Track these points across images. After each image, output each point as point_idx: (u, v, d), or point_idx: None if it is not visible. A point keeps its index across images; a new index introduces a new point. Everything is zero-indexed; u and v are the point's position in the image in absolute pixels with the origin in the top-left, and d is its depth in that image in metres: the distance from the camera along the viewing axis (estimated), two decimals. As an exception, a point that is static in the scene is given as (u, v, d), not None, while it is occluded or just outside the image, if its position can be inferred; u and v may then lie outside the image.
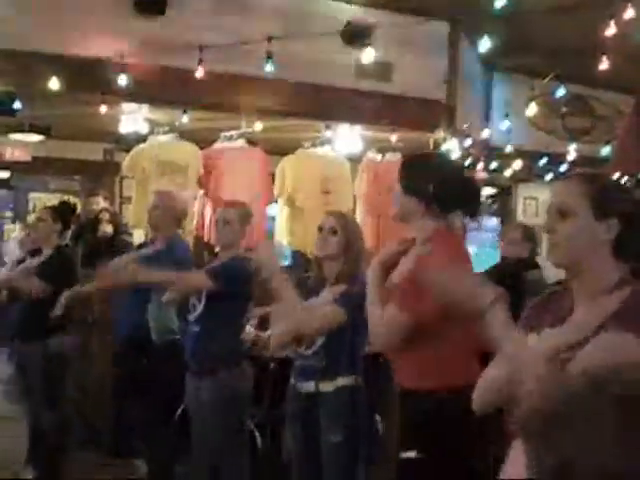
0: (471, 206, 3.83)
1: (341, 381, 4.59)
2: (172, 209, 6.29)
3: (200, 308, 5.47)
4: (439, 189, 3.69)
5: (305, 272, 5.22)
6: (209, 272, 5.45)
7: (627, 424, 1.06)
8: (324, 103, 8.90)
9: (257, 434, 6.59)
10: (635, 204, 2.61)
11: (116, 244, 9.49)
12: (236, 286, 5.34)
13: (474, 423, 3.61)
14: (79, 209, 11.66)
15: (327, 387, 4.62)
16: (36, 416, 6.70)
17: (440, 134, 9.71)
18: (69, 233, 7.52)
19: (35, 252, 6.96)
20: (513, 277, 6.12)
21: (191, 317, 5.52)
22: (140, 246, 6.70)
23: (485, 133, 10.39)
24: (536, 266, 6.83)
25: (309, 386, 4.68)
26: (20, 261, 7.20)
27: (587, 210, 2.55)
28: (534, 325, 2.66)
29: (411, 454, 3.61)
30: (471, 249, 13.95)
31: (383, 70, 9.02)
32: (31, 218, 7.16)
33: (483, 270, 6.69)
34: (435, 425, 3.62)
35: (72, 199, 12.85)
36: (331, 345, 4.62)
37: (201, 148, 8.92)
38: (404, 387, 3.77)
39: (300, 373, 4.76)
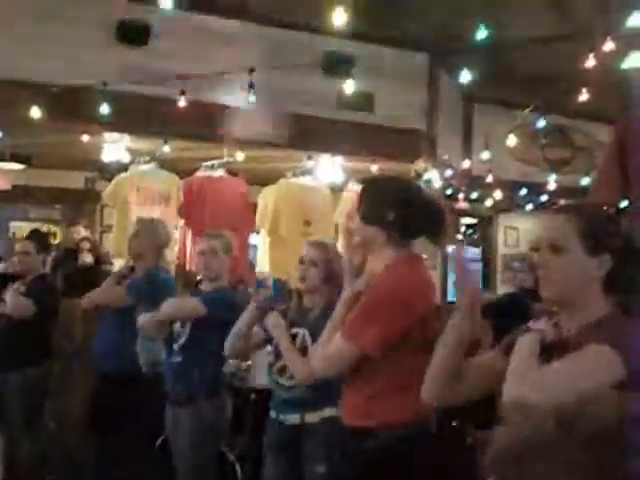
0: (435, 231, 3.73)
1: (328, 412, 4.50)
2: (153, 237, 6.26)
3: (184, 337, 5.44)
4: (400, 216, 3.59)
5: (287, 302, 5.20)
6: (202, 299, 5.42)
7: (595, 457, 1.07)
8: (305, 133, 8.92)
9: (237, 465, 6.55)
10: (625, 238, 2.59)
11: (97, 273, 9.45)
12: (225, 315, 5.33)
13: (422, 464, 3.56)
14: (59, 238, 11.62)
15: (313, 418, 4.55)
16: (13, 446, 6.64)
17: (421, 164, 9.74)
18: (48, 259, 7.50)
19: (15, 278, 6.91)
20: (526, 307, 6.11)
21: (175, 346, 5.49)
22: (123, 276, 6.65)
23: (466, 163, 10.44)
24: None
25: (294, 418, 4.61)
26: None
27: (578, 246, 2.54)
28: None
29: None
30: (452, 278, 13.98)
31: (364, 101, 9.06)
32: (16, 249, 7.06)
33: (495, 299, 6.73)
34: (380, 467, 3.52)
35: (52, 228, 12.82)
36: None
37: (182, 177, 8.92)
38: (346, 424, 3.72)
39: (283, 404, 4.69)
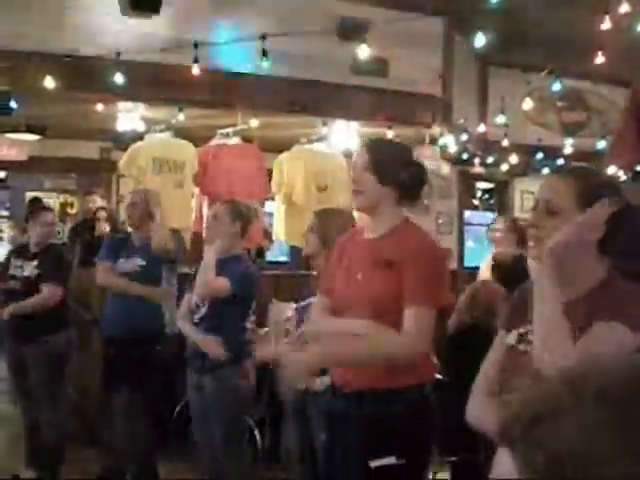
0: (418, 194, 3.72)
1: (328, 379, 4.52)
2: (148, 206, 6.27)
3: (204, 310, 5.46)
4: (410, 176, 3.63)
5: (303, 269, 5.20)
6: (231, 278, 5.40)
7: (608, 414, 1.07)
8: (320, 99, 8.90)
9: (257, 432, 6.60)
10: (622, 201, 2.53)
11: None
12: (246, 291, 5.36)
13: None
14: (76, 208, 11.68)
15: (318, 385, 4.59)
16: (34, 416, 6.69)
17: (436, 129, 9.72)
18: (64, 230, 7.52)
19: (23, 250, 6.91)
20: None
21: (195, 317, 5.50)
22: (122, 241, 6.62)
23: (481, 128, 10.40)
24: None
25: (301, 383, 4.67)
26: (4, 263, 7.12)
27: (574, 208, 2.50)
28: (515, 322, 2.63)
29: (388, 460, 3.44)
30: (468, 244, 14.01)
31: (379, 66, 9.03)
32: (42, 219, 7.02)
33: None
34: (412, 427, 3.48)
35: (69, 198, 12.88)
36: None
37: (197, 145, 8.93)
38: (368, 386, 3.55)
39: None
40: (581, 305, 2.44)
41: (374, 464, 3.44)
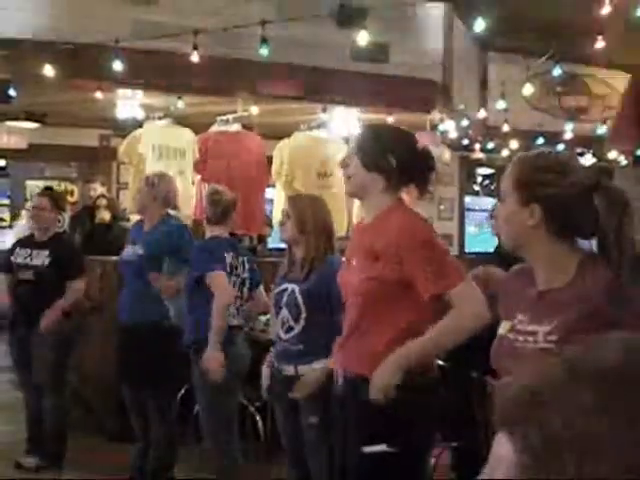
0: (425, 178, 3.66)
1: (317, 364, 4.49)
2: (153, 192, 6.21)
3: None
4: (400, 162, 3.56)
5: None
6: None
7: (605, 396, 1.08)
8: (320, 85, 8.90)
9: (258, 417, 6.61)
10: (560, 186, 2.52)
11: (114, 230, 9.50)
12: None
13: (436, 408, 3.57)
14: (76, 195, 11.69)
15: (305, 370, 4.58)
16: (37, 404, 6.70)
17: (436, 115, 9.71)
18: (65, 218, 7.49)
19: (29, 240, 6.90)
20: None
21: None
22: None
23: (481, 113, 10.39)
24: None
25: (289, 369, 4.67)
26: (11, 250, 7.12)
27: (514, 195, 2.55)
28: (506, 312, 2.63)
29: (379, 448, 3.41)
30: (469, 230, 14.01)
31: (379, 52, 9.01)
32: (29, 205, 7.06)
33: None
34: (410, 414, 3.44)
35: (69, 186, 12.89)
36: (309, 329, 4.58)
37: (197, 132, 8.92)
38: (358, 373, 3.53)
39: (281, 356, 4.74)
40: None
41: (367, 450, 3.42)
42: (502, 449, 1.12)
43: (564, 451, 1.04)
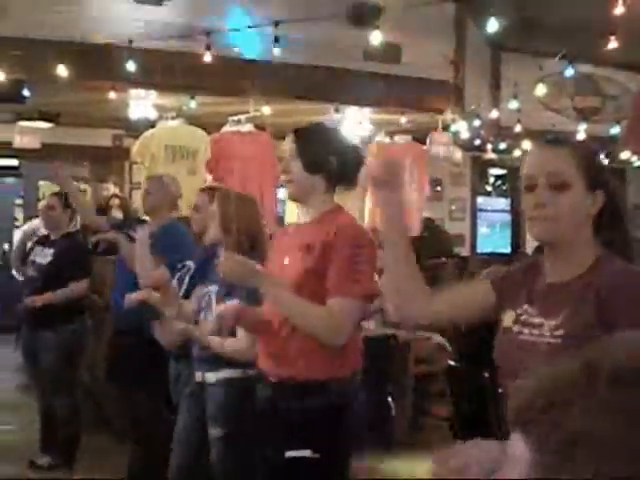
0: (354, 178, 3.59)
1: (223, 373, 4.35)
2: (165, 193, 6.19)
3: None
4: (340, 164, 3.50)
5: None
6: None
7: (622, 398, 1.08)
8: (332, 86, 8.90)
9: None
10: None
11: (126, 230, 9.51)
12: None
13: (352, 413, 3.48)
14: (89, 195, 11.71)
15: (211, 378, 4.42)
16: (47, 403, 6.73)
17: (449, 115, 9.70)
18: (77, 219, 7.51)
19: (45, 239, 6.94)
20: None
21: None
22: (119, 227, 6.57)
23: (494, 114, 10.38)
24: None
25: (199, 375, 4.49)
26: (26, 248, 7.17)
27: (581, 181, 2.33)
28: (511, 301, 2.51)
29: (302, 453, 3.34)
30: (481, 230, 14.00)
31: (391, 52, 9.01)
32: (41, 205, 7.10)
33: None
34: (328, 421, 3.37)
35: (81, 186, 12.91)
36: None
37: (209, 133, 8.93)
38: (288, 376, 3.43)
39: (195, 361, 4.58)
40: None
41: (288, 454, 3.35)
42: (517, 449, 1.12)
43: (582, 451, 1.05)
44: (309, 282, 3.37)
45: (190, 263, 5.27)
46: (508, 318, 2.47)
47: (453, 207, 12.59)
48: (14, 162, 13.70)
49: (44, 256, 6.68)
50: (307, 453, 3.32)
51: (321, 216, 3.51)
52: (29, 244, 7.84)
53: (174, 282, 5.16)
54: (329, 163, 3.49)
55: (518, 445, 1.13)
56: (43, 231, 7.43)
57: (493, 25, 7.55)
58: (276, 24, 7.76)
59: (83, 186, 12.75)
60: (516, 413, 1.16)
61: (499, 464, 2.07)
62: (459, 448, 2.06)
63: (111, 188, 10.92)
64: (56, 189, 7.49)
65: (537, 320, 2.36)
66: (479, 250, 12.70)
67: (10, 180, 14.73)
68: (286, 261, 3.51)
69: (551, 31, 9.45)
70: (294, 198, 3.62)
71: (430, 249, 9.86)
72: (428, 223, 10.82)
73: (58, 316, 6.51)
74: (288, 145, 3.58)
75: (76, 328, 6.64)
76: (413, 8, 8.49)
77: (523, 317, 2.41)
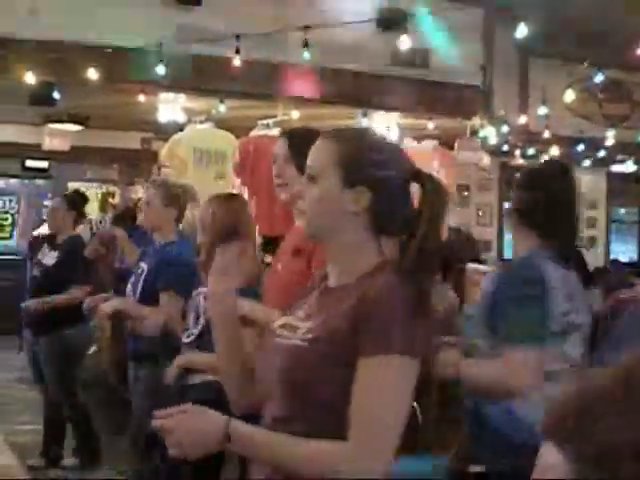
0: None
1: (206, 376, 4.25)
2: (170, 204, 5.74)
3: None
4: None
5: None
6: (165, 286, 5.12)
7: None
8: (360, 90, 8.91)
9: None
10: (391, 168, 2.16)
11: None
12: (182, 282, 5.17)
13: None
14: (117, 198, 11.77)
15: (194, 379, 4.38)
16: (53, 405, 6.76)
17: (477, 121, 9.69)
18: (84, 221, 7.54)
19: (52, 238, 6.96)
20: None
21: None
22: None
23: (522, 119, 10.34)
24: None
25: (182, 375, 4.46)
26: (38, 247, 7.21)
27: (336, 175, 2.15)
28: (291, 309, 2.32)
29: None
30: (508, 236, 13.90)
31: (419, 57, 9.01)
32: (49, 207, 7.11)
33: None
34: None
35: (110, 188, 12.98)
36: (205, 334, 4.17)
37: (238, 136, 8.96)
38: None
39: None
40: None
41: None
42: (550, 458, 1.12)
43: (618, 459, 1.05)
44: (297, 283, 3.12)
45: (144, 265, 5.21)
46: (277, 322, 2.30)
47: (480, 212, 12.56)
48: (44, 164, 13.78)
49: (50, 257, 6.69)
50: None
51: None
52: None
53: (128, 286, 5.19)
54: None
55: (551, 454, 1.13)
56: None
57: (522, 30, 7.53)
58: (305, 28, 7.79)
59: (112, 188, 12.83)
60: (550, 423, 1.17)
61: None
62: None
63: (139, 191, 10.96)
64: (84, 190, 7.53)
65: (297, 323, 2.19)
66: (506, 256, 12.66)
67: (40, 182, 14.81)
68: (279, 266, 3.48)
69: (580, 36, 9.42)
70: (288, 203, 3.52)
71: (456, 255, 9.82)
72: (454, 230, 10.79)
73: (58, 320, 6.51)
74: (281, 149, 3.53)
75: (77, 335, 6.64)
76: (441, 13, 8.50)
77: (290, 321, 2.24)
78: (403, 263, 2.07)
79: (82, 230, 8.91)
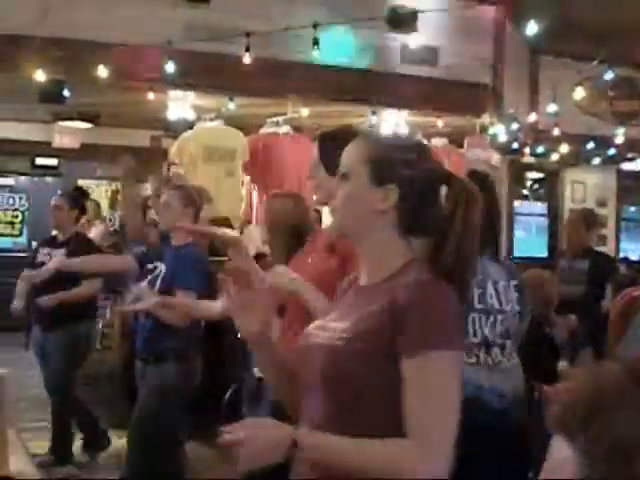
0: None
1: None
2: (188, 207, 5.76)
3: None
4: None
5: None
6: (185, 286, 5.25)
7: None
8: (370, 88, 8.90)
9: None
10: (419, 168, 2.21)
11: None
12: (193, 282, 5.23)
13: None
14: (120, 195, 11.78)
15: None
16: (60, 401, 6.79)
17: (486, 118, 9.67)
18: (90, 217, 7.57)
19: (53, 240, 6.98)
20: None
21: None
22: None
23: (532, 117, 10.33)
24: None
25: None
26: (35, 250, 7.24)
27: (364, 174, 2.20)
28: (328, 312, 2.38)
29: None
30: (517, 234, 13.92)
31: (429, 55, 9.01)
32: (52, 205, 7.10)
33: None
34: None
35: (119, 185, 13.00)
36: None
37: (247, 134, 8.97)
38: None
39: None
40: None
41: None
42: (561, 452, 1.12)
43: (630, 453, 1.05)
44: (322, 283, 3.26)
45: (161, 265, 5.29)
46: (314, 323, 2.35)
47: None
48: (54, 162, 13.81)
49: (58, 255, 6.68)
50: None
51: None
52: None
53: (145, 284, 5.23)
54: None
55: (562, 448, 1.13)
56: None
57: (532, 28, 7.52)
58: (315, 26, 7.79)
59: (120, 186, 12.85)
60: (560, 417, 1.17)
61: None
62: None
63: (149, 188, 10.98)
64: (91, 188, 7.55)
65: (333, 324, 2.23)
66: (515, 254, 12.64)
67: (49, 179, 14.84)
68: (309, 260, 3.51)
69: (590, 34, 9.39)
70: (321, 203, 3.58)
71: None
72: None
73: (67, 317, 6.53)
74: (314, 150, 3.54)
75: (84, 330, 6.67)
76: (451, 11, 8.49)
77: (326, 322, 2.28)
78: (440, 262, 2.14)
79: (98, 229, 8.94)
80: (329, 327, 2.22)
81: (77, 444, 6.89)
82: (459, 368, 2.03)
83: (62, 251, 6.65)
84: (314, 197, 3.57)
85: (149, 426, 5.30)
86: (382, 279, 2.19)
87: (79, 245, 6.73)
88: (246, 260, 2.18)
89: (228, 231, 3.37)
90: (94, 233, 9.02)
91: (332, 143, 3.41)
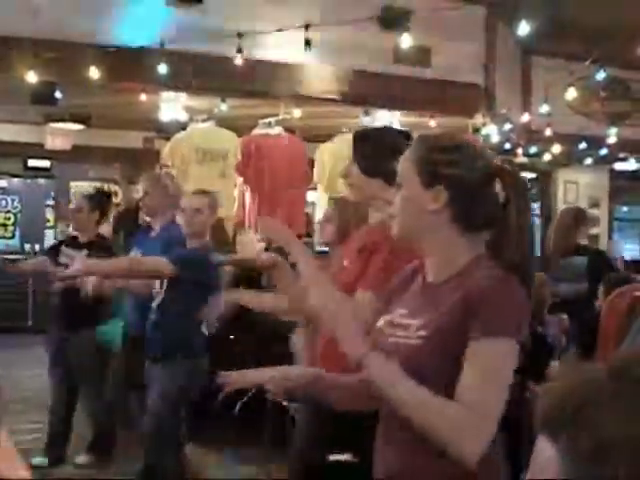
0: None
1: None
2: (164, 192, 6.08)
3: (160, 297, 5.43)
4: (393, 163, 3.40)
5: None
6: (171, 258, 5.28)
7: None
8: (362, 89, 8.90)
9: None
10: (465, 166, 2.31)
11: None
12: (196, 276, 5.26)
13: None
14: (119, 197, 11.77)
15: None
16: (84, 402, 6.79)
17: (479, 119, 9.68)
18: (106, 220, 7.55)
19: (73, 240, 6.97)
20: None
21: (153, 304, 5.49)
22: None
23: (524, 117, 10.34)
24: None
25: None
26: (53, 247, 7.23)
27: (415, 178, 2.34)
28: (390, 307, 2.45)
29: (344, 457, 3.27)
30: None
31: (421, 55, 9.00)
32: (71, 206, 7.13)
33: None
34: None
35: (112, 187, 12.99)
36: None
37: (240, 135, 8.96)
38: None
39: None
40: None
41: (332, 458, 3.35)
42: (546, 452, 1.12)
43: (614, 454, 1.05)
44: (351, 284, 3.27)
45: (137, 251, 5.42)
46: (382, 320, 2.43)
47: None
48: (46, 163, 13.80)
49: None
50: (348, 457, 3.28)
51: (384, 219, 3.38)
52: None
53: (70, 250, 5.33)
54: (386, 166, 3.20)
55: (546, 448, 1.13)
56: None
57: (524, 28, 7.52)
58: (306, 27, 7.78)
59: (113, 187, 12.84)
60: (545, 415, 1.17)
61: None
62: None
63: (141, 190, 10.95)
64: (86, 190, 7.54)
65: (406, 321, 2.31)
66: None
67: (42, 181, 14.83)
68: (346, 262, 3.51)
69: (582, 34, 9.40)
70: (358, 201, 3.64)
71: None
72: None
73: (90, 318, 6.54)
74: (350, 149, 3.55)
75: (107, 330, 6.68)
76: (443, 11, 8.49)
77: (396, 319, 2.36)
78: (504, 257, 2.29)
79: (105, 229, 8.93)
80: (403, 324, 2.32)
81: (78, 445, 6.88)
82: (516, 357, 2.17)
83: (84, 252, 6.60)
84: (351, 197, 3.64)
85: (159, 425, 5.37)
86: (449, 276, 2.31)
87: (100, 250, 6.59)
88: (289, 274, 2.29)
89: (261, 253, 3.40)
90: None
91: (365, 142, 3.51)
